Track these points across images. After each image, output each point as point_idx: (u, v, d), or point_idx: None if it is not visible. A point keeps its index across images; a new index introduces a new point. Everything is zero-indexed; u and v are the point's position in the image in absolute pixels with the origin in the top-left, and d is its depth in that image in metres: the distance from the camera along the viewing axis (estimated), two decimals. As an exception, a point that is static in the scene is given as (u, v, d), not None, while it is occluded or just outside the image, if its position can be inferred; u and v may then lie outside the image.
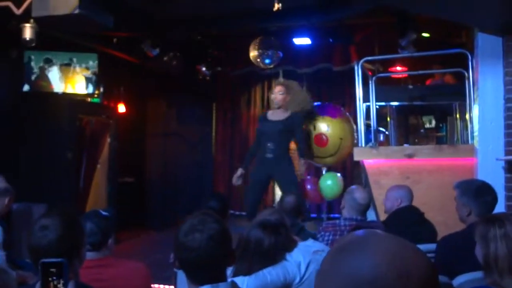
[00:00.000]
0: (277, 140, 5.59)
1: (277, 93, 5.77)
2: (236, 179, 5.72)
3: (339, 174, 6.61)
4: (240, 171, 5.73)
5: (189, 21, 6.71)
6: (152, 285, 2.58)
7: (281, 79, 5.99)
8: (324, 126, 6.33)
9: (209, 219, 1.74)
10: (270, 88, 9.24)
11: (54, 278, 1.50)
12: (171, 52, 8.03)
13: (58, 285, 1.49)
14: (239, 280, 2.22)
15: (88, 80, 7.11)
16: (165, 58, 7.93)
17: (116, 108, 8.11)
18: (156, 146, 8.94)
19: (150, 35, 7.31)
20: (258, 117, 5.93)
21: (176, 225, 3.20)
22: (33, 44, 5.30)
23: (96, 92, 7.28)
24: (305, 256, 2.57)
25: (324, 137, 6.29)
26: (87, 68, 7.11)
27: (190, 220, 1.74)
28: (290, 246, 2.60)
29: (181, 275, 2.50)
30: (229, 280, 1.76)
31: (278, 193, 8.75)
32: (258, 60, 7.75)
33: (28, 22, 5.06)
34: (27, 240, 1.89)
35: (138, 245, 5.70)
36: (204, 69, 8.74)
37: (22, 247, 5.71)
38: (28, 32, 5.13)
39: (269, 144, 5.58)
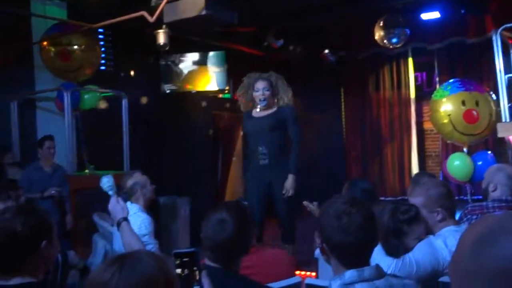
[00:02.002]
0: (269, 140, 4.76)
1: (263, 89, 4.85)
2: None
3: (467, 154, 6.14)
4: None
5: (310, 8, 6.68)
6: (295, 272, 2.62)
7: (254, 74, 5.00)
8: (473, 102, 5.88)
9: (358, 201, 1.75)
10: (399, 68, 8.92)
11: (188, 267, 1.52)
12: (295, 41, 8.06)
13: (192, 274, 1.51)
14: (384, 263, 2.15)
15: (218, 76, 7.42)
16: (291, 48, 7.99)
17: (246, 102, 8.33)
18: (286, 135, 9.06)
19: (272, 27, 7.41)
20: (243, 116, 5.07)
21: (309, 213, 3.24)
22: (167, 48, 5.63)
23: (227, 88, 7.56)
24: None
25: (475, 112, 5.87)
26: (217, 66, 7.40)
27: (338, 204, 1.72)
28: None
29: (322, 261, 2.50)
30: (374, 264, 1.72)
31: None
32: (385, 40, 7.51)
33: (161, 28, 5.38)
34: (203, 231, 1.98)
35: (273, 233, 5.82)
36: (328, 54, 8.67)
37: (170, 237, 6.14)
38: (162, 37, 5.45)
39: (260, 148, 4.77)
